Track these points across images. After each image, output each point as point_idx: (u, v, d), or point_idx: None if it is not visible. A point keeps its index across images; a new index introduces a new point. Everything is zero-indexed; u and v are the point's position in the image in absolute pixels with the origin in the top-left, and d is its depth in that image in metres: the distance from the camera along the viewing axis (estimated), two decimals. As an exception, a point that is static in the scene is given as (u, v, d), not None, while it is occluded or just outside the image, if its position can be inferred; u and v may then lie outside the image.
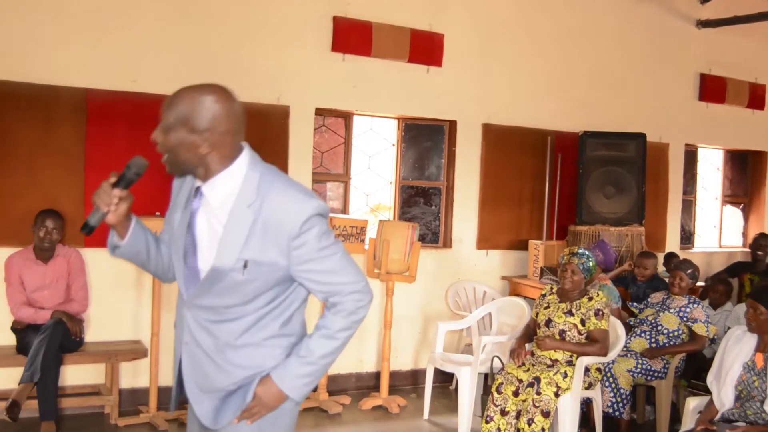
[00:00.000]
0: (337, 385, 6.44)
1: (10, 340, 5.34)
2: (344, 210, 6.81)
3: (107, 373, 5.67)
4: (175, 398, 2.54)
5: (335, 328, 2.33)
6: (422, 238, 6.81)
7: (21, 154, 5.49)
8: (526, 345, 5.31)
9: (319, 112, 6.53)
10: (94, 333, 5.65)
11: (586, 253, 5.25)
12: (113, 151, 5.68)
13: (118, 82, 5.74)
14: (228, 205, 2.26)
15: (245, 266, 2.24)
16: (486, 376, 5.71)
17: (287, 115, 6.29)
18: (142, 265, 2.56)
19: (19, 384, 4.89)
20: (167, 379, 5.81)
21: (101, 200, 2.30)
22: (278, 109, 6.26)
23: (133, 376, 5.81)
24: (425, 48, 6.77)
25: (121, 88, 5.73)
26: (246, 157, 2.32)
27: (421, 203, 7.17)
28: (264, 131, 6.19)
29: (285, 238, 2.23)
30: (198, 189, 2.33)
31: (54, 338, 4.99)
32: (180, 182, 2.47)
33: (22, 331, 5.23)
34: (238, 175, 2.27)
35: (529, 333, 5.37)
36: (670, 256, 7.20)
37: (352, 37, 6.47)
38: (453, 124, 7.09)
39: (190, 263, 2.35)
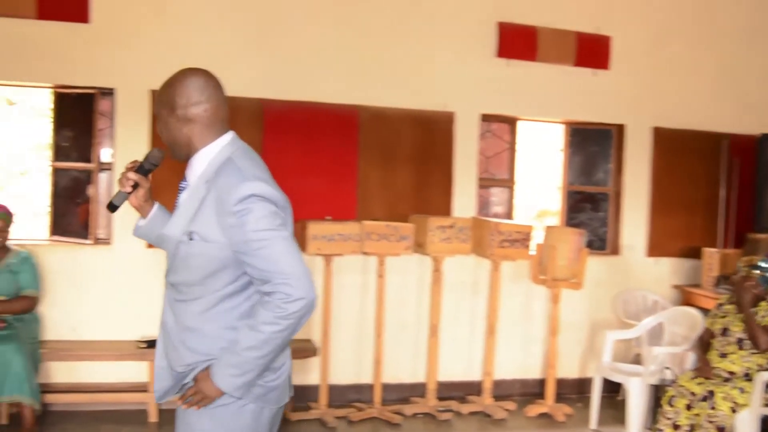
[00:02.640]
0: (501, 390, 6.43)
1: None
2: (509, 216, 6.78)
3: (280, 370, 5.92)
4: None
5: (259, 320, 2.25)
6: (589, 245, 6.66)
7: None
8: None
9: (485, 117, 6.55)
10: (268, 331, 5.91)
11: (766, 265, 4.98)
12: (287, 158, 5.96)
13: (291, 93, 6.01)
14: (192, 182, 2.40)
15: (190, 238, 2.31)
16: (656, 387, 5.53)
17: (452, 121, 6.36)
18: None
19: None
20: (337, 377, 6.03)
21: (124, 183, 2.49)
22: (444, 115, 6.34)
23: (304, 373, 6.03)
24: (592, 51, 6.66)
25: (294, 98, 6.00)
26: (226, 138, 2.41)
27: (589, 209, 7.03)
28: (430, 137, 6.31)
29: (224, 214, 2.25)
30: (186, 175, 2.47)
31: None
32: None
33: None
34: (211, 155, 2.38)
35: (704, 344, 5.15)
36: None
37: (516, 42, 6.46)
38: (621, 128, 6.91)
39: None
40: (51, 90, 5.88)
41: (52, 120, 5.91)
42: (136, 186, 2.49)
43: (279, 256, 2.24)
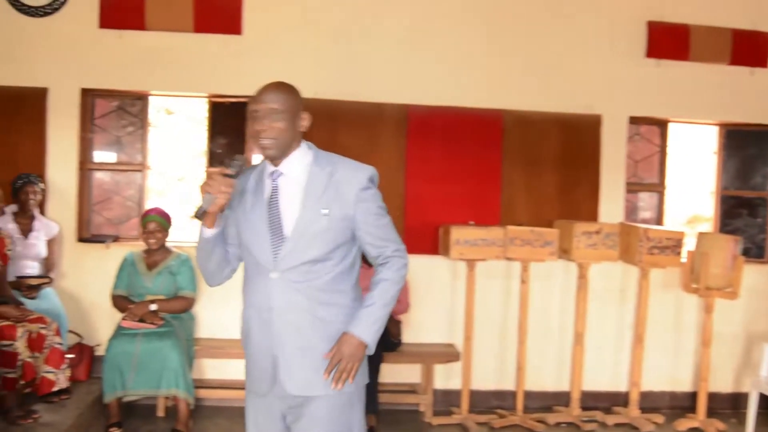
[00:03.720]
0: (649, 402, 6.21)
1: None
2: (659, 221, 6.55)
3: (423, 373, 5.97)
4: (272, 378, 2.70)
5: (390, 279, 2.70)
6: (746, 252, 6.32)
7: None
8: None
9: (633, 120, 6.35)
10: (411, 335, 5.98)
11: None
12: (431, 163, 6.00)
13: (436, 98, 6.04)
14: (304, 173, 2.68)
15: (323, 215, 2.62)
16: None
17: (599, 124, 6.20)
18: (214, 259, 2.76)
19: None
20: (479, 382, 6.01)
21: (214, 188, 2.58)
22: (590, 118, 6.20)
23: (447, 377, 6.05)
24: (749, 48, 6.35)
25: (438, 103, 6.03)
26: (306, 142, 2.77)
27: (745, 215, 6.68)
28: (575, 141, 6.19)
29: (354, 191, 2.65)
30: (273, 172, 2.70)
31: (376, 338, 5.34)
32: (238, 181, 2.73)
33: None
34: (308, 152, 2.73)
35: None
36: None
37: (667, 41, 6.25)
38: (782, 129, 6.55)
39: (276, 231, 2.64)
40: (206, 99, 6.17)
41: (207, 128, 6.20)
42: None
43: (392, 229, 2.76)
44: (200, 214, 2.61)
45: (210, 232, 2.69)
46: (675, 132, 6.63)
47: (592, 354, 6.17)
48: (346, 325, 2.66)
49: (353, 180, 2.67)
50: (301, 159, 2.70)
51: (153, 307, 5.25)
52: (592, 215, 6.18)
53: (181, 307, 5.42)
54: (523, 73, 6.16)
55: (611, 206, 6.25)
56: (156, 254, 5.45)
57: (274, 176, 2.70)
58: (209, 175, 2.62)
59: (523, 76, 6.16)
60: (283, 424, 2.75)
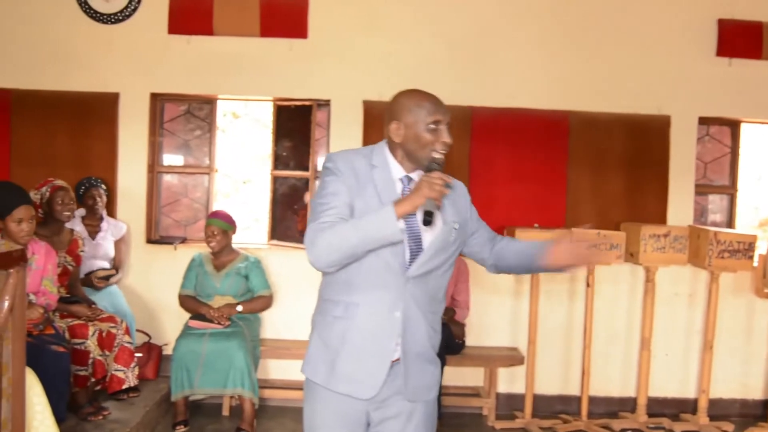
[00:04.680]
0: (718, 409, 6.05)
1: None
2: (730, 224, 6.39)
3: (486, 376, 5.94)
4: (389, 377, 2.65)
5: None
6: (821, 257, 6.15)
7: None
8: None
9: (703, 120, 6.21)
10: (474, 338, 5.95)
11: None
12: (495, 165, 5.97)
13: (500, 100, 6.00)
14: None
15: (455, 227, 2.68)
16: None
17: (668, 125, 6.08)
18: (357, 255, 2.53)
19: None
20: (543, 387, 5.95)
21: (435, 191, 2.43)
22: (658, 119, 6.07)
23: (510, 381, 6.01)
24: (826, 46, 6.13)
25: (503, 105, 5.99)
26: None
27: (820, 218, 6.49)
28: (643, 142, 6.07)
29: (466, 201, 2.81)
30: (404, 177, 2.67)
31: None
32: (346, 163, 2.64)
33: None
34: None
35: None
36: None
37: (739, 39, 6.08)
38: None
39: (415, 238, 2.62)
40: (272, 103, 6.25)
41: (272, 131, 6.28)
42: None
43: None
44: (428, 221, 2.45)
45: (402, 225, 2.52)
46: (746, 132, 6.46)
47: (660, 359, 6.05)
48: (439, 333, 2.73)
49: (462, 192, 2.81)
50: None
51: (239, 308, 5.38)
52: (660, 218, 6.06)
53: (262, 306, 5.56)
54: (590, 73, 6.07)
55: (680, 209, 6.11)
56: (223, 255, 5.54)
57: (406, 182, 2.65)
58: (430, 180, 2.44)
59: (589, 77, 6.07)
60: (365, 428, 2.70)
